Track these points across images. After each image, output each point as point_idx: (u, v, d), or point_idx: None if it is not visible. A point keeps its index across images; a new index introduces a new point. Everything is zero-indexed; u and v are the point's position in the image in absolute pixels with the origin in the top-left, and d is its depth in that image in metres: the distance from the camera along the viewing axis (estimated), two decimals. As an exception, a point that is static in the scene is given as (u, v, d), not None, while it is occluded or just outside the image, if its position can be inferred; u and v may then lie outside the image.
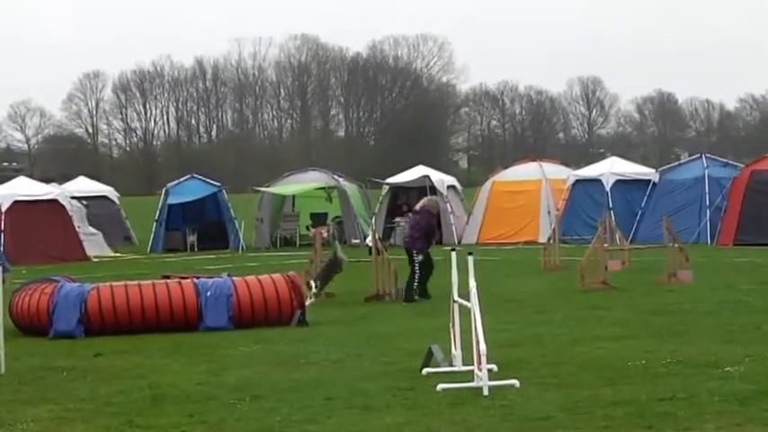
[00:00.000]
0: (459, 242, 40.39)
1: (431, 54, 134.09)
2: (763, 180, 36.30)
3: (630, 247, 29.26)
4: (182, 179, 45.89)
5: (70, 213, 39.84)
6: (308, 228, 44.02)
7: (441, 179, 44.54)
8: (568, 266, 27.69)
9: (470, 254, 12.86)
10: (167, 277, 20.84)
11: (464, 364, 13.01)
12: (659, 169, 41.91)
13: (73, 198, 42.23)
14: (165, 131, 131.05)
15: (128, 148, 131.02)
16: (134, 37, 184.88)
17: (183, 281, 19.32)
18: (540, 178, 42.39)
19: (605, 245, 25.73)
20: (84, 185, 51.36)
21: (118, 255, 41.90)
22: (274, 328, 18.18)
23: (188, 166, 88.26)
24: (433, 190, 43.36)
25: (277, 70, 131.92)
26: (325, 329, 18.20)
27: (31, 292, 18.83)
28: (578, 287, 23.18)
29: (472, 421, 10.64)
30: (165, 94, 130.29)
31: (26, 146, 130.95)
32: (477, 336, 12.07)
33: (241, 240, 42.67)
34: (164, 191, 45.01)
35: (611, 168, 41.45)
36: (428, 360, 13.47)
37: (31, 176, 56.29)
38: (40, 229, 38.37)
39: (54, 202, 39.58)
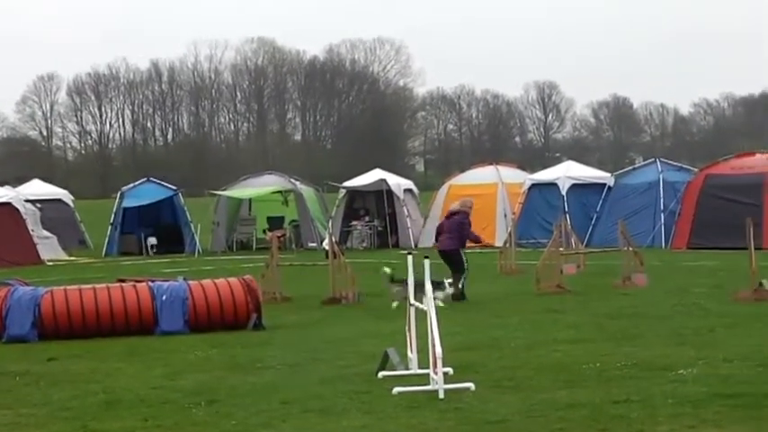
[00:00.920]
0: (416, 246, 40.43)
1: (388, 58, 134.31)
2: (716, 184, 36.59)
3: (586, 251, 29.40)
4: (137, 182, 45.68)
5: (24, 217, 39.60)
6: (264, 231, 43.97)
7: (397, 183, 44.60)
8: (524, 270, 27.79)
9: (427, 257, 12.88)
10: (122, 281, 20.75)
11: (420, 368, 13.03)
12: (614, 173, 42.17)
13: (27, 201, 42.02)
14: (120, 134, 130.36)
15: (83, 151, 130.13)
16: (89, 39, 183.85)
17: (138, 284, 19.24)
18: (497, 182, 42.52)
19: (561, 249, 25.84)
20: (38, 188, 51.05)
21: (72, 258, 41.67)
22: (230, 332, 18.14)
23: (144, 169, 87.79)
24: (390, 194, 43.45)
25: (233, 73, 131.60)
26: (281, 333, 18.18)
27: (-15, 296, 18.68)
28: (534, 291, 23.28)
29: (428, 425, 10.66)
30: (121, 97, 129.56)
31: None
32: (433, 339, 12.10)
33: (197, 244, 42.55)
34: (119, 194, 44.82)
35: (566, 172, 41.62)
36: (384, 363, 13.48)
37: (-16, 180, 55.84)
38: (-6, 232, 38.10)
39: (7, 205, 39.31)
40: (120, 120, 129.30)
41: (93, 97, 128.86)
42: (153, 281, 19.66)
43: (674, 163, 42.28)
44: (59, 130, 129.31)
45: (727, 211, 34.80)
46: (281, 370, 14.30)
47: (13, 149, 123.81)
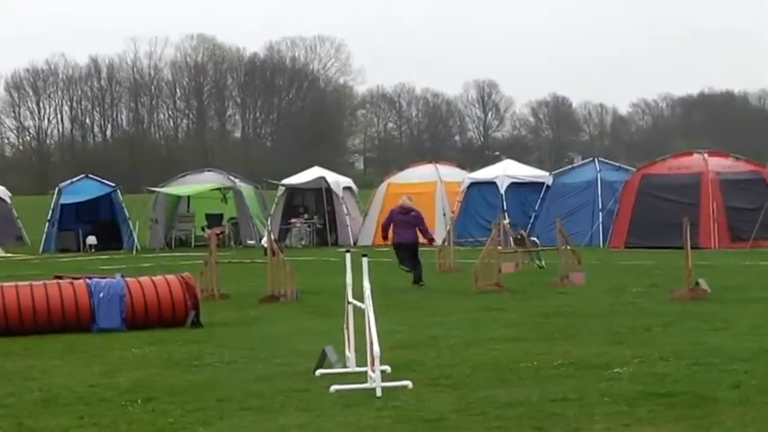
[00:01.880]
0: (355, 243, 40.44)
1: (328, 56, 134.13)
2: (653, 184, 36.92)
3: (524, 250, 29.55)
4: (75, 179, 45.29)
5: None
6: (203, 229, 43.76)
7: (337, 180, 44.61)
8: (463, 269, 27.85)
9: (365, 255, 12.90)
10: (59, 278, 20.59)
11: (358, 366, 13.05)
12: (553, 172, 42.40)
13: (-37, 197, 41.58)
14: (58, 130, 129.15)
15: (20, 147, 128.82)
16: (27, 34, 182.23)
17: (75, 281, 19.10)
18: (436, 180, 42.63)
19: (499, 247, 25.94)
20: (-26, 185, 50.56)
21: (9, 255, 41.27)
22: (168, 330, 18.05)
23: (82, 165, 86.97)
24: (329, 191, 43.43)
25: (173, 70, 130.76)
26: (219, 331, 18.12)
27: None
28: (473, 289, 23.35)
29: (365, 423, 10.68)
30: (59, 93, 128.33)
31: None
32: (370, 337, 12.12)
33: (135, 241, 42.28)
34: (57, 190, 44.42)
35: (505, 171, 41.81)
36: (322, 361, 13.48)
37: None
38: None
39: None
40: (59, 116, 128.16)
41: (31, 93, 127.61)
42: (90, 278, 19.52)
43: (613, 162, 42.64)
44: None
45: (665, 210, 35.12)
46: (218, 368, 14.27)
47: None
